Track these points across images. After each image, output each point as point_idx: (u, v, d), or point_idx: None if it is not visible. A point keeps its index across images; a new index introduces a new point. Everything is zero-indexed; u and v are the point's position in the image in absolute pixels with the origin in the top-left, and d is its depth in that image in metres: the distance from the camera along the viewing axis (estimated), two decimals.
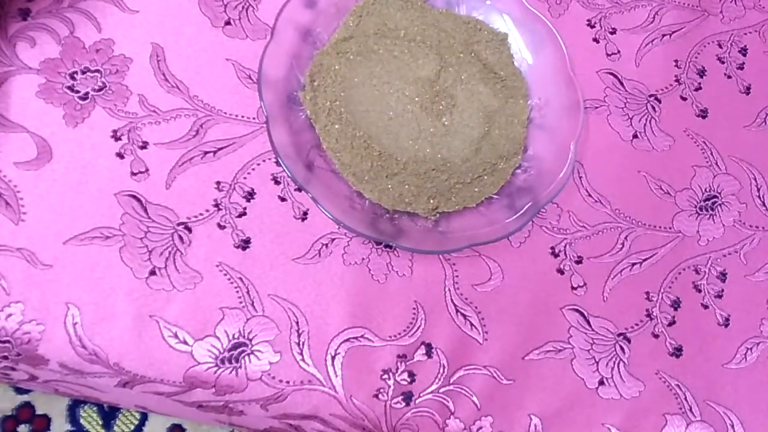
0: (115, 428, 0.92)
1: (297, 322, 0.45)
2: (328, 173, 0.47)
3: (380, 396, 0.45)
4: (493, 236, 0.46)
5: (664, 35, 0.60)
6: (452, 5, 0.54)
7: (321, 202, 0.44)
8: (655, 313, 0.51)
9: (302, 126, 0.47)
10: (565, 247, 0.51)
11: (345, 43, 0.50)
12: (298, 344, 0.45)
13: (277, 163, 0.48)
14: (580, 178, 0.53)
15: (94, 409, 0.91)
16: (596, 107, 0.56)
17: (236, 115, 0.48)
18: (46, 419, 0.90)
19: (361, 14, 0.51)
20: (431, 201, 0.48)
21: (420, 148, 0.49)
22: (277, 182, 0.47)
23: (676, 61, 0.59)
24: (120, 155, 0.45)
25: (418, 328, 0.47)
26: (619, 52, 0.58)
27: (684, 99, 0.58)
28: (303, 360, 0.44)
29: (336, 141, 0.47)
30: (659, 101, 0.57)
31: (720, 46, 0.61)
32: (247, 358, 0.44)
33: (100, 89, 0.46)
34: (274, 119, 0.45)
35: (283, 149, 0.44)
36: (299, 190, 0.47)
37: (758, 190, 0.57)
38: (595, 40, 0.58)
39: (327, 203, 0.44)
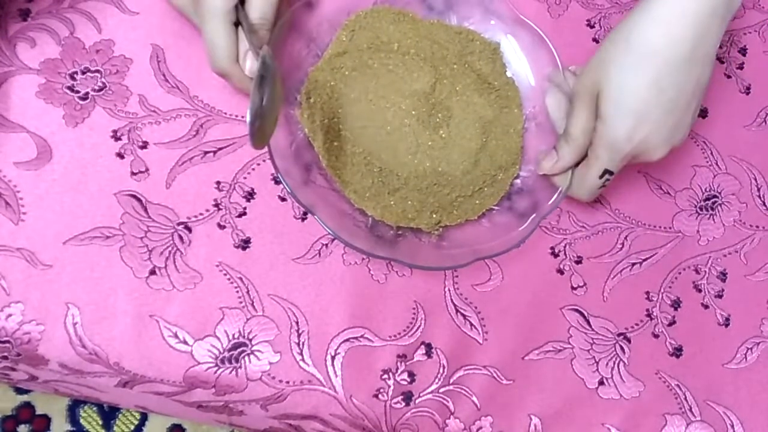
0: (115, 428, 0.92)
1: (297, 322, 0.45)
2: (330, 191, 0.46)
3: (380, 396, 0.45)
4: (498, 249, 0.45)
5: None
6: (444, 16, 0.53)
7: (325, 222, 0.43)
8: (655, 313, 0.51)
9: (301, 144, 0.47)
10: (565, 247, 0.51)
11: (339, 58, 0.49)
12: (298, 344, 0.45)
13: None
14: None
15: (94, 409, 0.91)
16: None
17: (236, 115, 0.48)
18: (46, 419, 0.90)
19: (354, 28, 0.50)
20: (434, 216, 0.47)
21: (420, 162, 0.48)
22: (277, 182, 0.47)
23: None
24: (120, 155, 0.45)
25: (418, 328, 0.47)
26: None
27: None
28: (303, 360, 0.44)
29: (336, 159, 0.46)
30: None
31: (720, 46, 0.61)
32: (247, 358, 0.44)
33: (100, 89, 0.46)
34: (274, 138, 0.44)
35: (284, 168, 0.43)
36: None
37: (758, 189, 0.57)
38: (595, 40, 0.58)
39: (330, 222, 0.43)
